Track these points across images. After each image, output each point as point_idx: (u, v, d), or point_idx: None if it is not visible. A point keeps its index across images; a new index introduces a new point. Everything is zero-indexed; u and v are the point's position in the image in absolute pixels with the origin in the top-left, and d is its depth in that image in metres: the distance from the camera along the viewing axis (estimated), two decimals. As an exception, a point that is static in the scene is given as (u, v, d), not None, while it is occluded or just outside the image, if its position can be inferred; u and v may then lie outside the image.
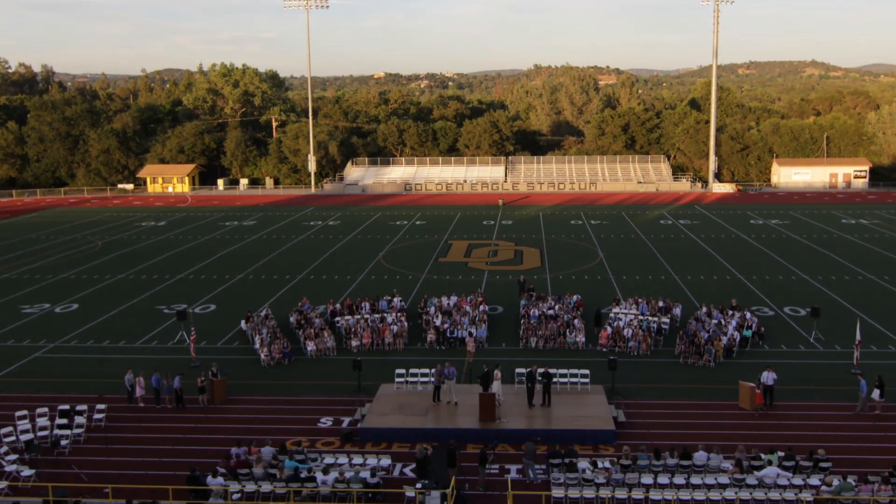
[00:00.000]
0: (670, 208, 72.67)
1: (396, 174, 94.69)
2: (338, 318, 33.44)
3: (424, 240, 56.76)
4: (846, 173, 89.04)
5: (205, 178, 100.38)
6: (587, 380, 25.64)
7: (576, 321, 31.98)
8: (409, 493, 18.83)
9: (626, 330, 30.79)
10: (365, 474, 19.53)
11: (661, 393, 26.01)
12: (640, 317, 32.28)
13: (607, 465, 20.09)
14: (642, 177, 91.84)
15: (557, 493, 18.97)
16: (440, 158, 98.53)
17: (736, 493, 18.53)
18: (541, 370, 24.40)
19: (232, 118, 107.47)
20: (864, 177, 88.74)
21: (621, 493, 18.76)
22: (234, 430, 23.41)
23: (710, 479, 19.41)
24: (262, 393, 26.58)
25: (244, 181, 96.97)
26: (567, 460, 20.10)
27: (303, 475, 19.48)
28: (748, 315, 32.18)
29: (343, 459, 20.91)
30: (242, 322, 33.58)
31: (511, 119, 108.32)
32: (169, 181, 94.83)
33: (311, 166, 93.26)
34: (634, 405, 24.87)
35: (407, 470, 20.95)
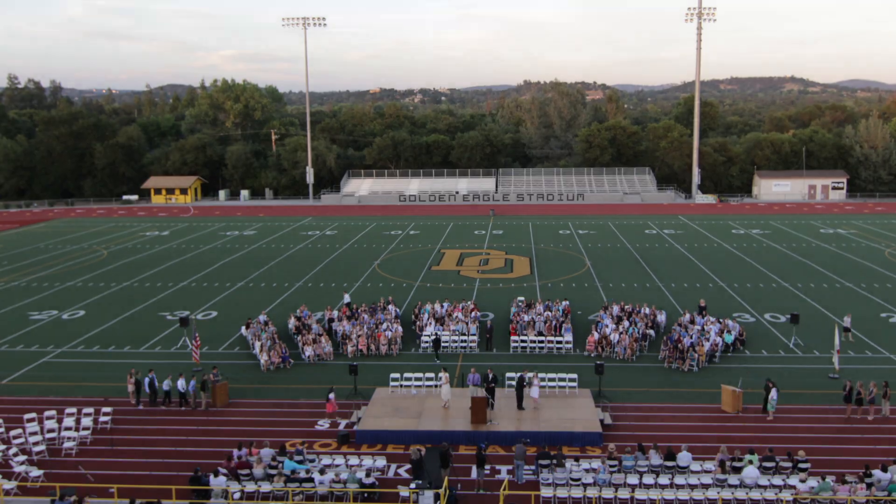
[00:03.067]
0: (655, 218, 73.75)
1: (391, 185, 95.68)
2: (335, 324, 34.33)
3: (418, 249, 57.63)
4: (824, 185, 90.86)
5: (207, 189, 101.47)
6: (575, 383, 26.54)
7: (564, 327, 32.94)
8: (404, 492, 19.52)
9: (613, 335, 31.82)
10: (361, 475, 20.13)
11: (646, 396, 26.82)
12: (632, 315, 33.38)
13: (595, 465, 20.80)
14: (628, 188, 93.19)
15: (546, 492, 19.68)
16: (433, 170, 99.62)
17: (718, 493, 19.22)
18: (490, 375, 25.54)
19: (233, 132, 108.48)
20: (842, 188, 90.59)
21: (608, 493, 19.46)
22: (234, 433, 24.06)
23: (693, 480, 20.08)
24: (262, 396, 27.31)
25: (245, 192, 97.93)
26: (555, 461, 20.84)
27: (301, 475, 20.12)
28: (730, 323, 33.22)
29: (340, 460, 21.50)
30: (243, 328, 34.35)
31: (502, 132, 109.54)
32: (172, 193, 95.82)
33: (310, 178, 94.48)
34: (620, 408, 25.65)
35: (401, 470, 21.55)
